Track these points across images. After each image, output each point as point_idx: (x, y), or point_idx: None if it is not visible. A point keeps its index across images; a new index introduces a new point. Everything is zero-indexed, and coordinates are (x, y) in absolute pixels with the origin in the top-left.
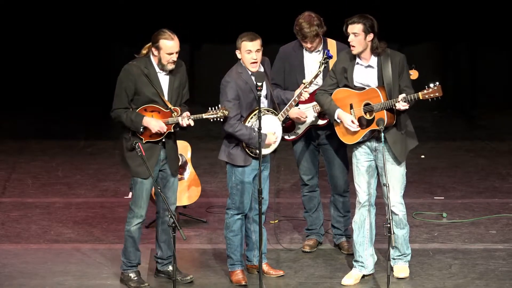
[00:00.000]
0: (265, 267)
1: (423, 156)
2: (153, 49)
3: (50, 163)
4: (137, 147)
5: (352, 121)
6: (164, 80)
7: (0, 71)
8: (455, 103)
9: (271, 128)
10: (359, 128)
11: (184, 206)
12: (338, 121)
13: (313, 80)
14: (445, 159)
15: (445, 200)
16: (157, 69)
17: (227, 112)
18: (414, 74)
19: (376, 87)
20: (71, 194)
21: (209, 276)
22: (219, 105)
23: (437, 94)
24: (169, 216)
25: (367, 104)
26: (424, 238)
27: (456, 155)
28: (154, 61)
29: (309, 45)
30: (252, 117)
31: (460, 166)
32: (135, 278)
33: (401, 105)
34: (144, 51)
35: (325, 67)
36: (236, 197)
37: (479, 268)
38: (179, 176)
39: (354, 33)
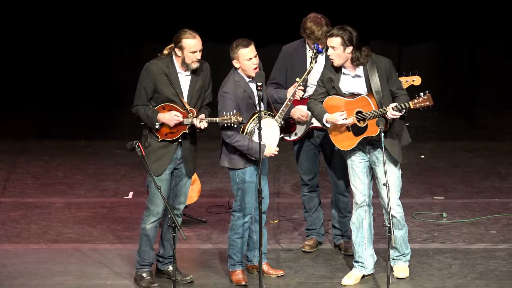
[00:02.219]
0: (265, 267)
1: (423, 156)
2: (176, 50)
3: (50, 163)
4: (137, 147)
5: (340, 115)
6: (185, 81)
7: (0, 71)
8: (455, 103)
9: (271, 139)
10: (352, 118)
11: (185, 206)
12: (328, 125)
13: (306, 77)
14: (445, 159)
15: (445, 200)
16: (178, 70)
17: (241, 119)
18: (417, 80)
19: (366, 95)
20: (71, 194)
21: (209, 276)
22: (234, 111)
23: (427, 103)
24: (169, 216)
25: (359, 112)
26: (424, 238)
27: (456, 155)
28: (177, 62)
29: (321, 46)
30: (251, 123)
31: (460, 166)
32: (147, 277)
33: (391, 114)
34: (165, 52)
35: (315, 62)
36: (242, 198)
37: (479, 268)
38: None
39: (332, 47)
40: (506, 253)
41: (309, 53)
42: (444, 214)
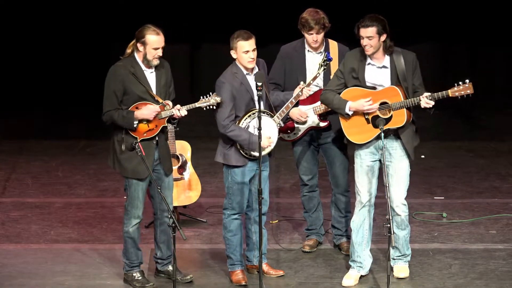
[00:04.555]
0: (265, 267)
1: (423, 156)
2: (138, 44)
3: (50, 163)
4: (137, 147)
5: (366, 101)
6: (151, 77)
7: (0, 71)
8: (455, 103)
9: (266, 132)
10: (377, 105)
11: (184, 206)
12: (350, 113)
13: (311, 82)
14: (445, 159)
15: (445, 200)
16: (143, 67)
17: (219, 99)
18: None
19: (395, 86)
20: (71, 194)
21: (209, 276)
22: (211, 93)
23: (468, 91)
24: (169, 216)
25: (383, 103)
26: (424, 238)
27: (456, 155)
28: (139, 58)
29: (315, 37)
30: (246, 118)
31: (460, 166)
32: (140, 278)
33: (426, 103)
34: (128, 50)
35: (324, 69)
36: (232, 197)
37: (479, 268)
38: (179, 176)
39: (368, 37)
40: (506, 253)
41: (308, 54)
42: (444, 214)
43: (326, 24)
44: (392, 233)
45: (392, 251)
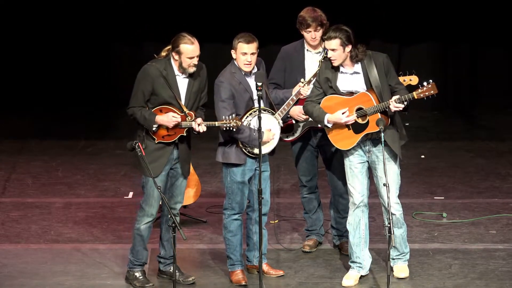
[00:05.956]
0: (265, 267)
1: (423, 156)
2: (173, 53)
3: (50, 163)
4: (137, 147)
5: (342, 113)
6: (182, 83)
7: (1, 71)
8: (455, 103)
9: (267, 125)
10: (355, 115)
11: (184, 206)
12: (329, 125)
13: (311, 79)
14: (445, 159)
15: (445, 200)
16: (176, 72)
17: (240, 123)
18: (414, 80)
19: (366, 91)
20: (71, 194)
21: (209, 276)
22: (233, 115)
23: (432, 92)
24: (169, 216)
25: (359, 109)
26: (424, 238)
27: (456, 155)
28: (174, 64)
29: (313, 35)
30: (247, 116)
31: (460, 166)
32: (140, 277)
33: (394, 107)
34: (163, 53)
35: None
36: (232, 197)
37: (479, 268)
38: None
39: (332, 49)
40: (506, 253)
41: (308, 54)
42: (444, 214)
43: (324, 21)
44: (392, 233)
45: (391, 250)
